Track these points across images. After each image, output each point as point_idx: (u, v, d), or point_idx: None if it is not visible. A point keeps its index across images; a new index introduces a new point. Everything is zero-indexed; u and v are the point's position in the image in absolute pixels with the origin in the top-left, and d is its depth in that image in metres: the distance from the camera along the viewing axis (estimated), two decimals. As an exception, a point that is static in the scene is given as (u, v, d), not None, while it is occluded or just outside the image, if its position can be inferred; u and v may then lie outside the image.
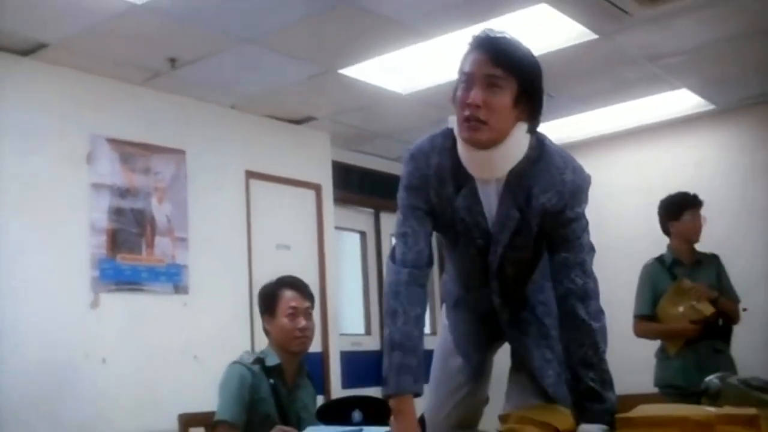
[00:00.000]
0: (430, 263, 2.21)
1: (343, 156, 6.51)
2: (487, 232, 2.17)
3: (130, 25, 4.19)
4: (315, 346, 5.78)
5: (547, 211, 2.12)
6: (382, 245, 7.08)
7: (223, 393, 3.16)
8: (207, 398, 4.77)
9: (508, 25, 4.29)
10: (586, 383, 2.12)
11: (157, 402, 4.78)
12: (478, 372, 2.45)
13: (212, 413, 3.77)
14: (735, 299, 4.55)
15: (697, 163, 6.44)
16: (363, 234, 7.03)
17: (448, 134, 2.17)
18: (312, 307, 3.43)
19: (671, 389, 4.38)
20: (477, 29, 4.73)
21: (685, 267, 4.54)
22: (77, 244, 4.61)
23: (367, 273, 6.97)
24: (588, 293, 2.14)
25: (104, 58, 4.62)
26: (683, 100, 6.01)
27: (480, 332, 2.42)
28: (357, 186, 6.79)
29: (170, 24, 4.22)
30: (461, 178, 2.14)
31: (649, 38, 4.80)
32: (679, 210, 4.58)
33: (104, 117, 4.83)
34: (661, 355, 4.54)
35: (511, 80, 2.03)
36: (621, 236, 6.38)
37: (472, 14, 4.25)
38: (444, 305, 2.60)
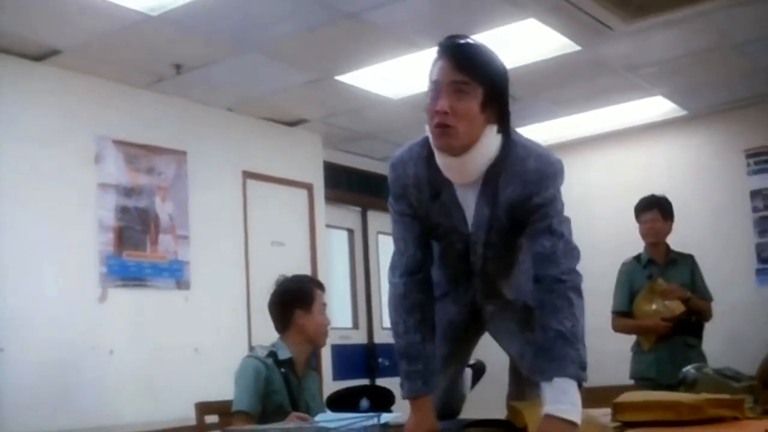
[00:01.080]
0: (426, 265, 2.27)
1: (332, 156, 6.75)
2: (467, 235, 2.22)
3: (142, 34, 4.40)
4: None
5: (514, 202, 2.13)
6: (368, 242, 7.33)
7: (240, 385, 3.31)
8: (207, 388, 5.04)
9: (497, 38, 4.62)
10: (554, 328, 2.02)
11: (160, 392, 5.00)
12: (453, 362, 2.53)
13: (227, 402, 4.02)
14: (708, 298, 4.72)
15: (669, 165, 6.76)
16: (351, 231, 7.28)
17: (426, 142, 2.19)
18: None
19: (645, 381, 4.55)
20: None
21: (659, 266, 4.73)
22: (86, 241, 4.82)
23: (354, 269, 7.22)
24: (557, 254, 2.10)
25: (113, 64, 4.83)
26: (658, 106, 6.33)
27: (460, 326, 2.46)
28: (345, 185, 7.02)
29: (180, 33, 4.43)
30: (439, 185, 2.18)
31: (628, 50, 5.10)
32: (637, 213, 4.81)
33: (111, 119, 5.04)
34: (636, 349, 4.75)
35: (477, 85, 2.05)
36: (597, 234, 6.66)
37: (464, 27, 4.49)
38: None
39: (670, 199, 6.70)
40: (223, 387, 4.91)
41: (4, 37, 4.40)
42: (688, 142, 6.76)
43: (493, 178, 2.13)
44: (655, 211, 4.77)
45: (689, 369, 2.92)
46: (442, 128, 2.05)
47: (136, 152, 5.12)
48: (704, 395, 2.30)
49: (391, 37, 4.66)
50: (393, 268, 2.28)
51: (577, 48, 4.96)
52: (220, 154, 5.68)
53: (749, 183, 6.45)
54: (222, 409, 3.77)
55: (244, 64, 4.95)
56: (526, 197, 2.11)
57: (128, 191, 5.05)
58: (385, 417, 2.79)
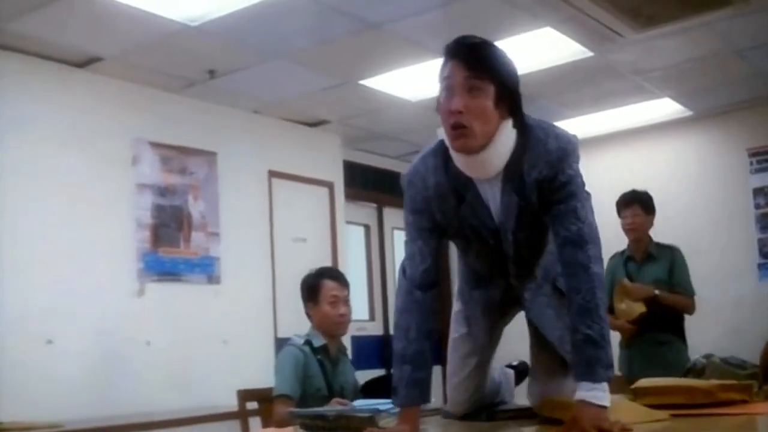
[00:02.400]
0: (437, 280, 2.29)
1: (350, 155, 7.01)
2: (496, 228, 2.24)
3: (180, 43, 4.66)
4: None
5: (542, 183, 2.15)
6: (384, 238, 7.60)
7: (280, 371, 3.53)
8: (235, 377, 5.34)
9: (514, 45, 4.88)
10: (583, 331, 2.06)
11: (192, 381, 5.28)
12: (484, 356, 2.56)
13: (266, 390, 4.28)
14: (688, 292, 4.65)
15: (675, 163, 7.03)
16: (367, 227, 7.55)
17: (439, 151, 2.23)
18: (349, 294, 3.80)
19: (620, 377, 4.57)
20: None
21: (637, 263, 4.72)
22: (124, 238, 5.08)
23: (371, 264, 7.49)
24: (584, 238, 2.13)
25: (150, 70, 5.09)
26: (664, 107, 6.59)
27: (493, 315, 2.50)
28: (362, 183, 7.28)
29: (215, 42, 4.69)
30: (461, 189, 2.20)
31: (637, 56, 5.36)
32: (618, 209, 4.77)
33: (146, 123, 5.30)
34: (620, 344, 4.70)
35: (489, 83, 2.08)
36: (604, 230, 6.92)
37: (481, 34, 4.76)
38: (458, 288, 2.65)
39: (676, 196, 7.01)
40: (250, 376, 5.23)
41: (50, 46, 4.65)
42: (693, 141, 7.02)
43: (514, 166, 2.15)
44: (636, 206, 4.74)
45: (698, 358, 3.18)
46: (459, 129, 2.08)
47: (170, 154, 5.38)
48: (715, 381, 2.52)
49: (410, 45, 4.91)
50: (410, 277, 2.27)
51: (590, 54, 5.22)
52: (247, 154, 5.94)
53: (752, 181, 6.71)
54: (261, 395, 4.01)
55: (271, 70, 5.21)
56: (552, 177, 2.14)
57: (163, 191, 5.31)
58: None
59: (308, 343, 3.61)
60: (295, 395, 3.46)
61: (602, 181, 7.13)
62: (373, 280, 7.46)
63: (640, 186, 7.25)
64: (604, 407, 2.00)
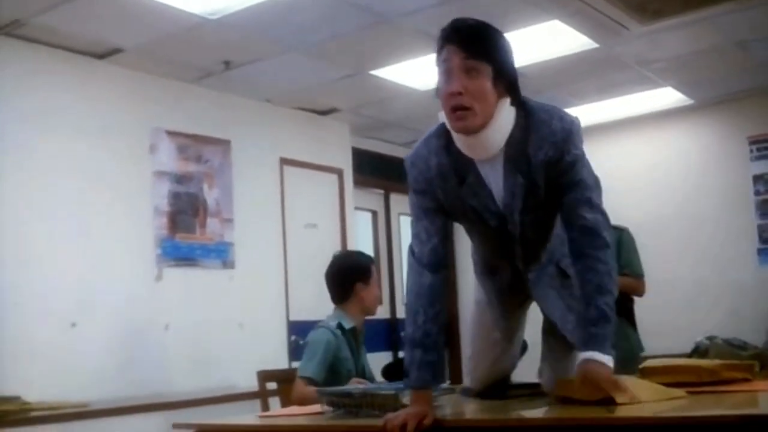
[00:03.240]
0: (445, 260, 2.32)
1: (358, 143, 7.15)
2: (499, 210, 2.26)
3: (199, 35, 4.79)
4: (336, 315, 6.51)
5: (548, 164, 2.18)
6: (391, 223, 7.76)
7: (309, 352, 3.62)
8: (249, 359, 5.54)
9: (522, 37, 5.03)
10: (599, 306, 2.13)
11: (209, 363, 5.44)
12: (508, 334, 2.61)
13: (285, 371, 4.45)
14: (636, 274, 4.52)
15: (677, 151, 7.18)
16: (374, 213, 7.70)
17: (441, 132, 2.27)
18: None
19: None
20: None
21: None
22: (143, 225, 5.23)
23: (378, 249, 7.64)
24: (599, 226, 2.20)
25: (168, 62, 5.22)
26: (666, 96, 6.73)
27: (507, 299, 2.54)
28: (369, 169, 7.41)
29: (233, 34, 4.82)
30: (463, 170, 2.23)
31: (641, 48, 5.50)
32: None
33: (163, 112, 5.43)
34: None
35: (486, 63, 2.13)
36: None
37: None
38: (474, 274, 2.69)
39: (678, 182, 7.18)
40: (263, 358, 5.43)
41: (72, 38, 4.78)
42: (695, 129, 7.16)
43: (516, 146, 2.19)
44: None
45: (702, 339, 3.33)
46: (459, 110, 2.13)
47: (186, 142, 5.52)
48: (719, 361, 2.64)
49: (421, 36, 5.02)
50: (418, 260, 2.30)
51: (596, 46, 5.36)
52: (259, 142, 6.08)
53: (752, 168, 6.85)
54: (281, 376, 4.19)
55: (286, 62, 5.34)
56: (558, 157, 2.18)
57: (179, 178, 5.46)
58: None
59: (339, 326, 3.72)
60: (319, 379, 3.54)
61: (606, 167, 7.27)
62: (380, 264, 7.61)
63: (642, 173, 7.47)
64: (609, 368, 2.09)
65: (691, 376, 2.46)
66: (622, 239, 4.53)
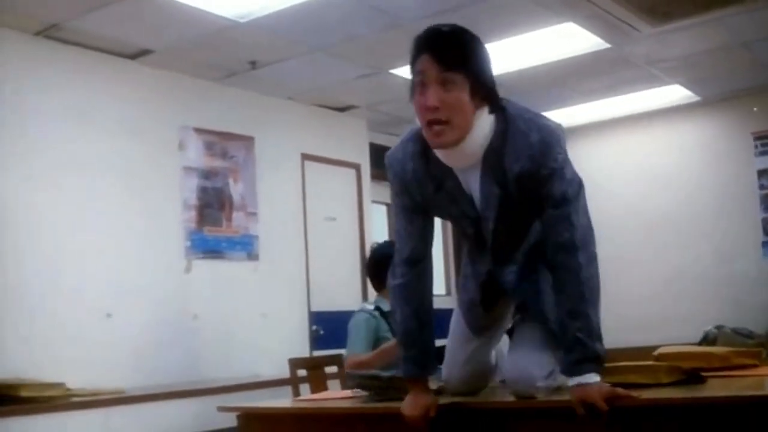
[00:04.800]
0: (426, 257, 2.32)
1: (374, 138, 7.34)
2: (477, 215, 2.23)
3: (228, 37, 5.00)
4: (356, 305, 6.71)
5: (523, 176, 2.11)
6: (404, 216, 7.95)
7: (353, 334, 3.90)
8: (273, 348, 5.74)
9: (536, 38, 5.23)
10: (572, 334, 2.08)
11: (235, 351, 5.66)
12: (484, 333, 2.52)
13: (313, 358, 4.66)
14: None
15: (683, 146, 7.39)
16: (389, 206, 7.90)
17: (417, 137, 2.20)
18: None
19: None
20: (511, 42, 5.54)
21: None
22: (173, 219, 5.45)
23: (392, 240, 7.83)
24: (575, 245, 2.10)
25: (197, 62, 5.43)
26: (673, 93, 6.94)
27: (479, 302, 2.44)
28: (383, 163, 7.58)
29: (261, 36, 5.03)
30: (440, 176, 2.19)
31: (651, 48, 5.71)
32: None
33: (191, 110, 5.65)
34: None
35: (463, 75, 2.05)
36: (616, 210, 7.31)
37: (509, 28, 5.12)
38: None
39: (684, 177, 7.39)
40: (286, 346, 5.65)
41: (106, 40, 4.98)
42: (701, 125, 7.37)
43: (494, 155, 2.13)
44: None
45: (710, 329, 3.54)
46: (436, 125, 2.06)
47: (212, 139, 5.74)
48: (727, 348, 2.84)
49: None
50: (396, 257, 2.32)
51: (607, 46, 5.56)
52: (281, 138, 6.29)
53: (756, 163, 7.07)
54: (310, 363, 4.40)
55: (308, 61, 5.55)
56: (535, 170, 2.10)
57: (207, 174, 5.67)
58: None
59: (378, 308, 3.97)
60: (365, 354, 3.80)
61: (614, 161, 7.55)
62: (395, 255, 7.80)
63: (649, 167, 7.67)
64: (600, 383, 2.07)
65: (702, 362, 2.61)
66: None
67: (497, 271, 2.35)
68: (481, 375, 2.56)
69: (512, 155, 2.12)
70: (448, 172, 2.19)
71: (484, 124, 2.12)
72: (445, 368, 2.56)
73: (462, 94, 2.06)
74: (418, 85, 2.10)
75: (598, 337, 2.10)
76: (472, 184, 2.19)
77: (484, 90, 2.11)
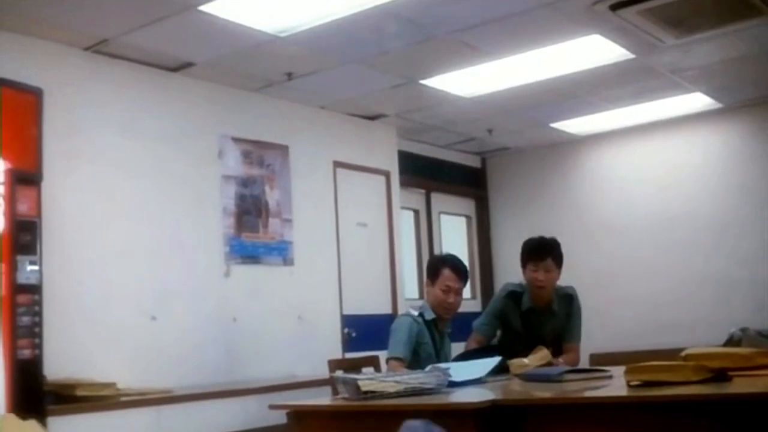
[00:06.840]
0: None
1: (402, 145, 7.54)
2: None
3: (267, 50, 5.20)
4: (386, 309, 6.93)
5: None
6: (432, 221, 8.14)
7: (395, 336, 4.07)
8: (308, 350, 5.94)
9: (565, 49, 5.40)
10: None
11: (273, 353, 5.86)
12: None
13: (351, 359, 4.85)
14: (574, 341, 4.42)
15: (706, 151, 7.53)
16: (416, 212, 8.09)
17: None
18: (464, 286, 4.23)
19: None
20: (541, 53, 5.72)
21: (537, 315, 4.44)
22: (213, 225, 5.65)
23: (420, 246, 8.03)
24: None
25: (236, 74, 5.65)
26: (696, 100, 7.08)
27: None
28: (412, 170, 7.78)
29: (299, 49, 5.22)
30: None
31: (675, 58, 5.86)
32: (528, 257, 4.38)
33: (229, 120, 5.86)
34: None
35: None
36: (637, 212, 7.48)
37: (539, 39, 5.31)
38: None
39: (707, 182, 7.53)
40: (320, 349, 5.84)
41: (150, 53, 5.20)
42: (722, 131, 7.50)
43: None
44: (549, 260, 4.31)
45: (735, 330, 3.69)
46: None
47: (249, 148, 5.95)
48: (752, 349, 3.01)
49: (469, 49, 5.41)
50: None
51: (632, 56, 5.73)
52: (314, 147, 6.50)
53: (777, 168, 7.18)
54: (348, 364, 4.60)
55: (342, 72, 5.75)
56: None
57: (244, 181, 5.88)
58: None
59: (421, 315, 4.16)
60: (406, 358, 3.99)
61: (639, 166, 7.71)
62: (423, 261, 7.98)
63: (673, 172, 7.81)
64: None
65: (727, 362, 2.79)
66: (573, 309, 4.45)
67: None
68: None
69: None
70: None
71: None
72: None
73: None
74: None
75: None
76: None
77: None
